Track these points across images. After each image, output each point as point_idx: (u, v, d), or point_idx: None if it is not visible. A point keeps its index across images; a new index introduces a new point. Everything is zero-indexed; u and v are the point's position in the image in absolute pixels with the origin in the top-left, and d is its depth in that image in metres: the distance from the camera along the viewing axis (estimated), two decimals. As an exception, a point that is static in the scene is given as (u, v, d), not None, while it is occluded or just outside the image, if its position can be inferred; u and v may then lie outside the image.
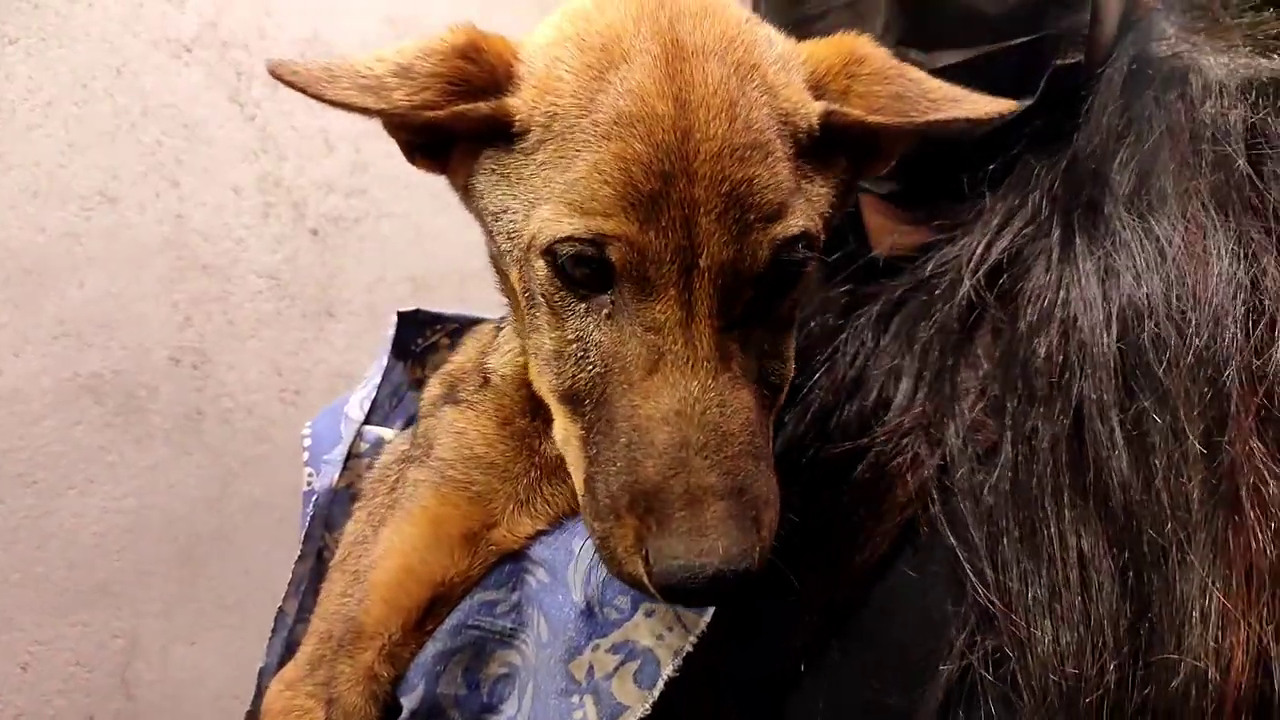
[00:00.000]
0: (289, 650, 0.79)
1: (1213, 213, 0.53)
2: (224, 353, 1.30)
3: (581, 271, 0.51)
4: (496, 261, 0.61)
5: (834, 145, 0.56)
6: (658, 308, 0.50)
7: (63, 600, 1.17)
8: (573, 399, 0.54)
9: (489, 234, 0.58)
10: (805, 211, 0.53)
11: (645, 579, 0.48)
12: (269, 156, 1.36)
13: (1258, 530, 0.46)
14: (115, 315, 1.23)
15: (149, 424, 1.24)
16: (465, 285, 1.49)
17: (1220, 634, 0.45)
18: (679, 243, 0.49)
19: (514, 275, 0.56)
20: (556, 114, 0.52)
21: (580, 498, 0.53)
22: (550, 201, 0.51)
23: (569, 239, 0.50)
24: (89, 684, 1.18)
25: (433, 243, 1.47)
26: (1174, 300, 0.52)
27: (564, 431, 0.55)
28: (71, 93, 1.21)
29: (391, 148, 1.50)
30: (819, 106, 0.55)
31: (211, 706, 1.24)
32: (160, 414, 1.25)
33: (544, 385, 0.56)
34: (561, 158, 0.52)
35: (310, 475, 0.84)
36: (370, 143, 1.43)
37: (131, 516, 1.21)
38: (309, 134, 1.39)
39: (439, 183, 1.60)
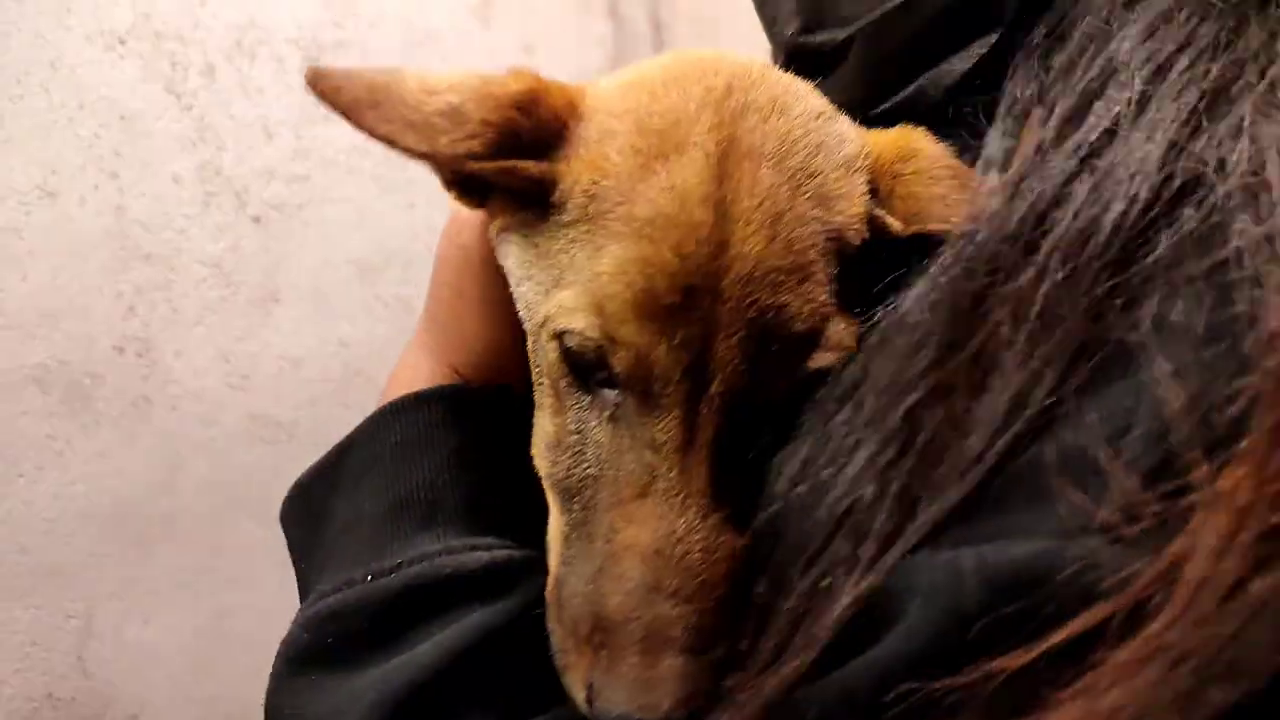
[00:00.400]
0: None
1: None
2: (169, 340, 1.31)
3: (589, 365, 0.49)
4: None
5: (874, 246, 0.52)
6: (659, 426, 0.48)
7: (17, 583, 1.18)
8: (564, 493, 0.51)
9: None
10: (839, 339, 0.49)
11: (586, 707, 0.46)
12: (208, 146, 1.37)
13: None
14: (59, 306, 1.24)
15: (96, 412, 1.25)
16: (410, 268, 1.51)
17: None
18: (692, 362, 0.47)
19: (529, 343, 0.54)
20: (596, 195, 0.49)
21: (547, 593, 0.51)
22: (571, 287, 0.49)
23: (579, 333, 0.48)
24: (46, 663, 1.20)
25: (377, 227, 1.49)
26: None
27: (553, 520, 0.53)
28: (6, 88, 1.21)
29: (332, 133, 1.52)
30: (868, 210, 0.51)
31: (166, 682, 1.26)
32: (107, 402, 1.26)
33: (541, 468, 0.54)
34: (591, 243, 0.49)
35: None
36: (311, 129, 1.44)
37: (81, 502, 1.23)
38: (248, 122, 1.40)
39: (382, 167, 1.62)
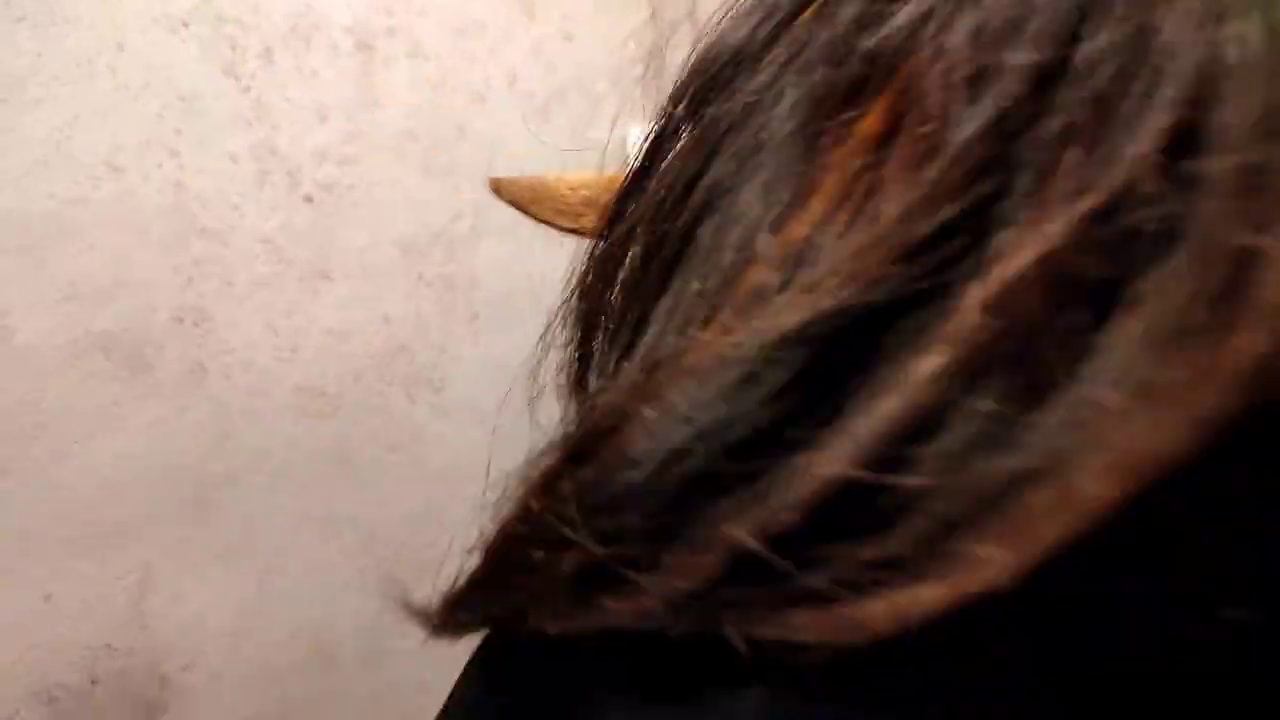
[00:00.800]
0: None
1: None
2: (224, 312, 1.37)
3: None
4: None
5: None
6: None
7: (79, 539, 1.25)
8: None
9: None
10: None
11: None
12: (264, 126, 1.42)
13: None
14: (122, 277, 1.30)
15: (154, 379, 1.31)
16: (453, 249, 1.56)
17: None
18: None
19: None
20: None
21: None
22: None
23: None
24: (105, 615, 1.27)
25: (422, 208, 1.53)
26: None
27: None
28: (76, 68, 1.27)
29: (382, 117, 1.56)
30: None
31: (218, 635, 1.33)
32: (165, 369, 1.32)
33: None
34: None
35: None
36: (362, 112, 1.48)
37: (140, 463, 1.29)
38: (302, 105, 1.45)
39: (430, 151, 1.66)
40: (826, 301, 0.23)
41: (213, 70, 1.38)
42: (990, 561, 0.19)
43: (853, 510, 0.21)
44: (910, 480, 0.21)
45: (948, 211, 0.23)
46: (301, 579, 1.38)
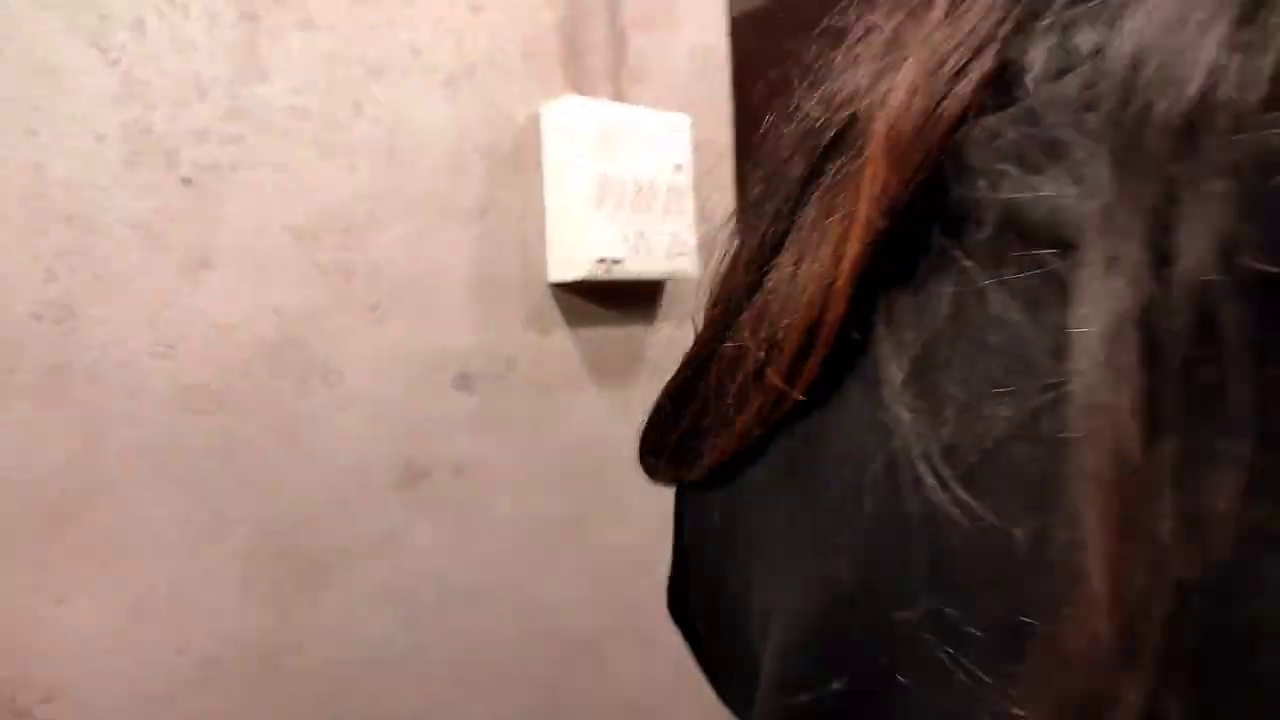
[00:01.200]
0: None
1: None
2: (91, 306, 1.24)
3: None
4: None
5: None
6: None
7: (-78, 564, 1.12)
8: None
9: None
10: None
11: None
12: (135, 103, 1.30)
13: None
14: (-29, 269, 1.17)
15: (12, 382, 1.18)
16: (350, 234, 1.46)
17: None
18: None
19: None
20: None
21: None
22: None
23: None
24: (-45, 648, 1.14)
25: (316, 191, 1.43)
26: None
27: None
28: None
29: (268, 92, 1.45)
30: None
31: (83, 662, 1.21)
32: (24, 371, 1.19)
33: None
34: None
35: None
36: (246, 88, 1.38)
37: (-5, 476, 1.17)
38: (179, 79, 1.33)
39: (322, 129, 1.56)
40: (704, 334, 0.49)
41: (76, 41, 1.26)
42: (715, 447, 0.47)
43: (693, 434, 0.49)
44: (703, 424, 0.48)
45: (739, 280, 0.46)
46: (184, 590, 1.27)
